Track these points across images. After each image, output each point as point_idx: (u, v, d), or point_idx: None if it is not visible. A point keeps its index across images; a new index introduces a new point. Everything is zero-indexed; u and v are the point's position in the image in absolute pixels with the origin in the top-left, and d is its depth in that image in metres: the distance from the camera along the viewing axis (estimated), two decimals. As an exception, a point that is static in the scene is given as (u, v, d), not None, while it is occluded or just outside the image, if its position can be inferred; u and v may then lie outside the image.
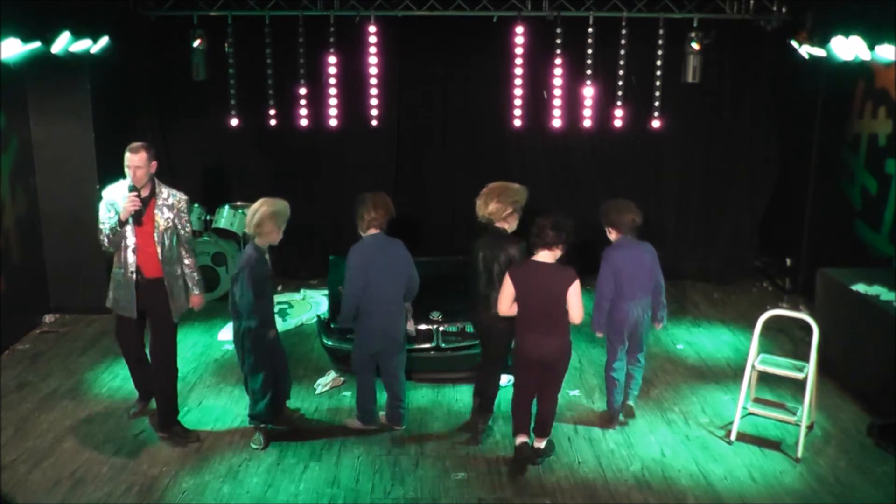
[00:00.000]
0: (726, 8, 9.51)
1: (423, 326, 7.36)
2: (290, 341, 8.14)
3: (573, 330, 6.02)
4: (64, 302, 9.14)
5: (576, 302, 5.80)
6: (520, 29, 9.45)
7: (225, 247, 9.67)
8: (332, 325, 7.52)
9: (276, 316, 6.90)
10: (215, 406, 7.07)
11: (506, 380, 7.41)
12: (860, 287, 7.17)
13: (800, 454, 6.16)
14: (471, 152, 10.57)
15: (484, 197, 6.45)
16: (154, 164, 6.10)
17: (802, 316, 6.56)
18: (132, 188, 5.98)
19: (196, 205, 9.93)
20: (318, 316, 7.99)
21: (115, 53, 8.77)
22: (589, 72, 9.55)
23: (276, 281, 8.40)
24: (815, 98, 9.49)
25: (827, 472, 6.02)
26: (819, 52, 8.50)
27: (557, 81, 9.68)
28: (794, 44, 9.03)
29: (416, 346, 7.37)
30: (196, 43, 9.30)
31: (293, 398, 6.93)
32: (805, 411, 6.27)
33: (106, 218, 6.08)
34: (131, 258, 6.09)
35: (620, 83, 9.58)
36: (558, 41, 9.47)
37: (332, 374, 7.58)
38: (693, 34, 9.25)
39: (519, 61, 9.59)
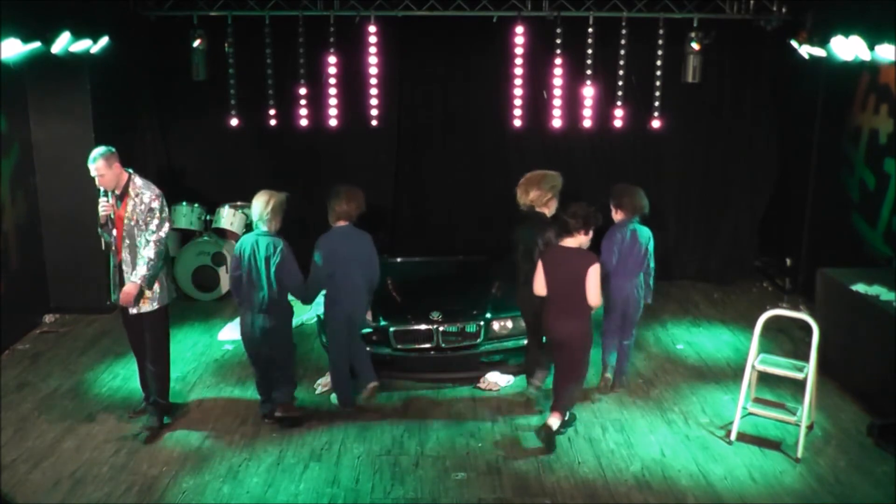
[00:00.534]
0: (726, 8, 9.50)
1: (423, 326, 7.37)
2: (290, 341, 8.15)
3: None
4: (64, 302, 9.14)
5: (592, 284, 6.11)
6: (520, 29, 9.45)
7: (225, 247, 9.67)
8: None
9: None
10: (215, 406, 7.07)
11: (505, 380, 7.44)
12: (860, 287, 7.17)
13: (800, 454, 6.16)
14: (471, 152, 10.57)
15: (524, 186, 6.96)
16: (116, 165, 6.24)
17: (802, 316, 6.55)
18: (103, 193, 6.27)
19: (196, 205, 9.95)
20: (318, 316, 7.97)
21: (115, 53, 8.76)
22: (589, 72, 9.55)
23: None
24: (815, 98, 9.49)
25: (827, 472, 6.02)
26: (819, 52, 8.49)
27: (557, 81, 9.68)
28: (794, 44, 9.03)
29: (417, 346, 7.38)
30: (196, 43, 9.30)
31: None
32: (805, 411, 6.27)
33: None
34: (117, 255, 6.36)
35: (620, 83, 9.58)
36: (558, 41, 9.46)
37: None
38: (693, 34, 9.24)
39: (519, 61, 9.59)
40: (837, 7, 8.32)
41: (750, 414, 6.54)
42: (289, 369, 6.75)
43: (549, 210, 6.92)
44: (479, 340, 7.40)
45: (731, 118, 10.26)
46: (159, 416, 6.59)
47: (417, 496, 5.74)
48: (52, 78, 8.56)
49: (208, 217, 9.95)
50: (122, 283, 6.34)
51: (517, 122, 9.86)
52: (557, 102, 9.76)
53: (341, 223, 6.71)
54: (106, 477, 5.91)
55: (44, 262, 9.03)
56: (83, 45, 8.10)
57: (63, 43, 7.76)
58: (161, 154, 10.48)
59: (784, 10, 9.39)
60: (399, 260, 9.15)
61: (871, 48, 7.45)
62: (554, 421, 6.30)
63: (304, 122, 9.91)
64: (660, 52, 9.49)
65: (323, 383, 7.41)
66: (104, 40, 8.45)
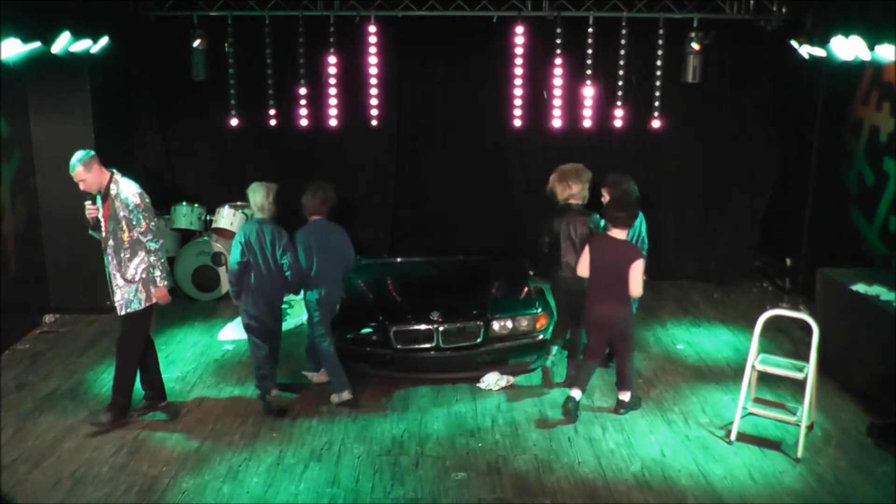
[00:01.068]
0: (726, 8, 9.51)
1: (423, 326, 7.37)
2: (291, 341, 8.14)
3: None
4: (64, 302, 9.14)
5: (636, 276, 6.55)
6: (520, 29, 9.45)
7: (225, 247, 9.66)
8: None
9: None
10: (215, 406, 7.07)
11: (505, 380, 7.44)
12: (860, 287, 7.17)
13: (800, 454, 6.16)
14: (471, 152, 10.57)
15: (563, 180, 7.38)
16: (95, 167, 6.34)
17: (802, 316, 6.55)
18: (87, 197, 6.39)
19: (196, 205, 9.95)
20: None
21: (114, 53, 8.76)
22: (589, 72, 9.55)
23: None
24: (815, 98, 9.49)
25: (827, 472, 6.02)
26: (819, 52, 8.49)
27: (557, 81, 9.68)
28: (794, 44, 9.03)
29: (417, 346, 7.38)
30: (196, 43, 9.30)
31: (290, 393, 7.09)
32: (805, 411, 6.26)
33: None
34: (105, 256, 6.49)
35: (620, 83, 9.58)
36: (558, 41, 9.47)
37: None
38: (693, 34, 9.25)
39: (519, 61, 9.59)
40: (837, 7, 8.32)
41: (750, 414, 6.54)
42: (277, 348, 7.20)
43: (583, 200, 7.37)
44: (479, 340, 7.40)
45: (731, 118, 10.26)
46: (113, 413, 6.56)
47: (417, 496, 5.74)
48: (52, 78, 8.56)
49: (208, 217, 9.95)
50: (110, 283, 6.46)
51: (517, 122, 9.86)
52: (557, 102, 9.77)
53: (314, 217, 7.12)
54: (106, 477, 5.91)
55: (44, 263, 9.03)
56: (83, 45, 8.11)
57: (63, 43, 7.76)
58: (161, 154, 10.49)
59: (784, 10, 9.40)
60: (399, 260, 9.15)
61: (871, 48, 7.46)
62: (624, 396, 6.91)
63: (304, 122, 9.91)
64: (660, 52, 9.49)
65: (315, 379, 7.44)
66: (104, 40, 8.46)
